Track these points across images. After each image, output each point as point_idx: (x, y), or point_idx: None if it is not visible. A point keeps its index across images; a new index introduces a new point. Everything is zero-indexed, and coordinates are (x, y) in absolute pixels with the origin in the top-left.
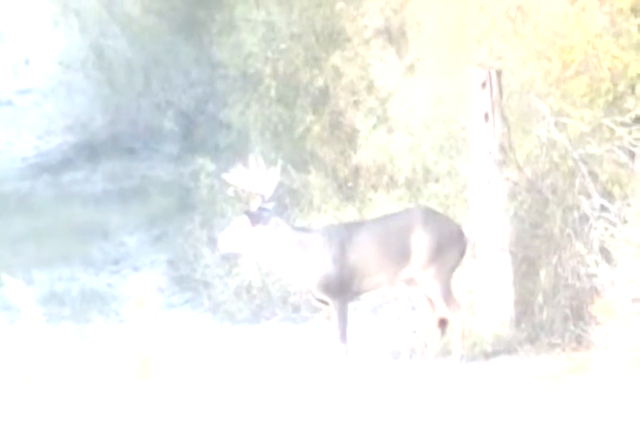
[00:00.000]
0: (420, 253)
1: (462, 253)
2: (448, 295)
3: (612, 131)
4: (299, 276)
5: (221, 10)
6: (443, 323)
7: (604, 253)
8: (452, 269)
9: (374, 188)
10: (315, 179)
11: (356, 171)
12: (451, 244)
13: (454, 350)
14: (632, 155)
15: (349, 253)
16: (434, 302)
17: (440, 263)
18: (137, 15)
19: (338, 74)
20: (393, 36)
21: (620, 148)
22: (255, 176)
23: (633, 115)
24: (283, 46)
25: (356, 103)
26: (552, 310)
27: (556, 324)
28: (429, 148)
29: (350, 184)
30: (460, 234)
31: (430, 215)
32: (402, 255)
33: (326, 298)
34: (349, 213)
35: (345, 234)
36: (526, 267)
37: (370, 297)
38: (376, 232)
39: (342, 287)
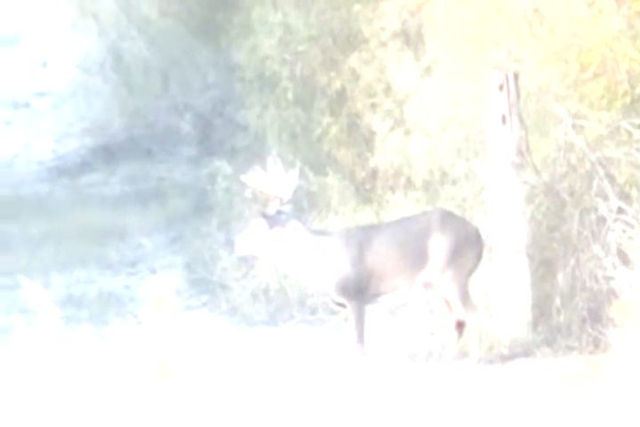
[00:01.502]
0: (437, 255)
1: (480, 256)
2: (465, 298)
3: (629, 133)
4: (316, 279)
5: (239, 12)
6: (460, 325)
7: (622, 255)
8: (470, 271)
9: (392, 190)
10: (332, 181)
11: (374, 173)
12: (468, 246)
13: (471, 353)
14: None
15: (367, 256)
16: (451, 305)
17: (457, 266)
18: (155, 18)
19: (355, 76)
20: (410, 39)
21: (638, 150)
22: (274, 179)
23: None
24: (300, 48)
25: (373, 105)
26: (569, 313)
27: (573, 326)
28: (446, 150)
29: (368, 186)
30: (478, 237)
31: (448, 218)
32: (419, 258)
33: (344, 300)
34: (367, 216)
35: (363, 237)
36: (543, 269)
37: (387, 299)
38: (394, 235)
39: (360, 290)
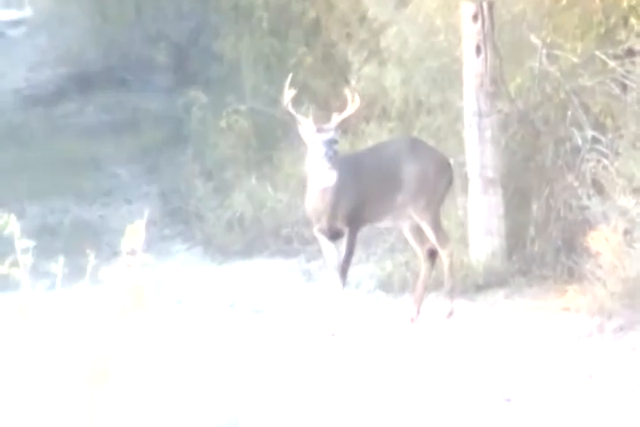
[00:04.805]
0: (409, 180)
1: (449, 184)
2: (437, 228)
3: (604, 63)
4: (327, 206)
5: None
6: (432, 254)
7: (596, 185)
8: (441, 199)
9: (366, 120)
10: (307, 111)
11: (346, 104)
12: (438, 173)
13: (445, 284)
14: (624, 87)
15: (361, 182)
16: (424, 234)
17: (429, 193)
18: None
19: (330, 6)
20: None
21: (613, 80)
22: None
23: (625, 47)
24: None
25: (348, 35)
26: (544, 243)
27: (547, 256)
28: (421, 80)
29: None
30: (447, 164)
31: (418, 145)
32: (395, 181)
33: (344, 227)
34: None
35: (353, 164)
36: (518, 199)
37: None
38: (373, 160)
39: (358, 216)
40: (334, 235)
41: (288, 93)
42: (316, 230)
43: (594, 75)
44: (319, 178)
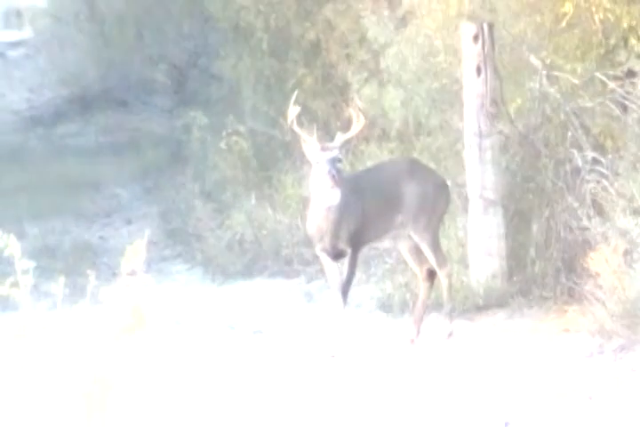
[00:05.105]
0: (409, 200)
1: (447, 205)
2: (436, 249)
3: (604, 84)
4: (332, 227)
5: None
6: (431, 274)
7: (596, 206)
8: (440, 220)
9: (366, 141)
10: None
11: (349, 124)
12: (436, 193)
13: (444, 305)
14: (624, 108)
15: (362, 201)
16: (423, 255)
17: (429, 212)
18: None
19: (330, 27)
20: None
21: (612, 101)
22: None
23: (625, 68)
24: None
25: (348, 56)
26: (544, 264)
27: (548, 277)
28: (421, 101)
29: None
30: (445, 185)
31: (416, 165)
32: (395, 201)
33: (346, 247)
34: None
35: (354, 184)
36: (518, 220)
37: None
38: (374, 180)
39: (360, 236)
40: (337, 255)
41: (293, 110)
42: (318, 250)
43: (594, 96)
44: (323, 197)
